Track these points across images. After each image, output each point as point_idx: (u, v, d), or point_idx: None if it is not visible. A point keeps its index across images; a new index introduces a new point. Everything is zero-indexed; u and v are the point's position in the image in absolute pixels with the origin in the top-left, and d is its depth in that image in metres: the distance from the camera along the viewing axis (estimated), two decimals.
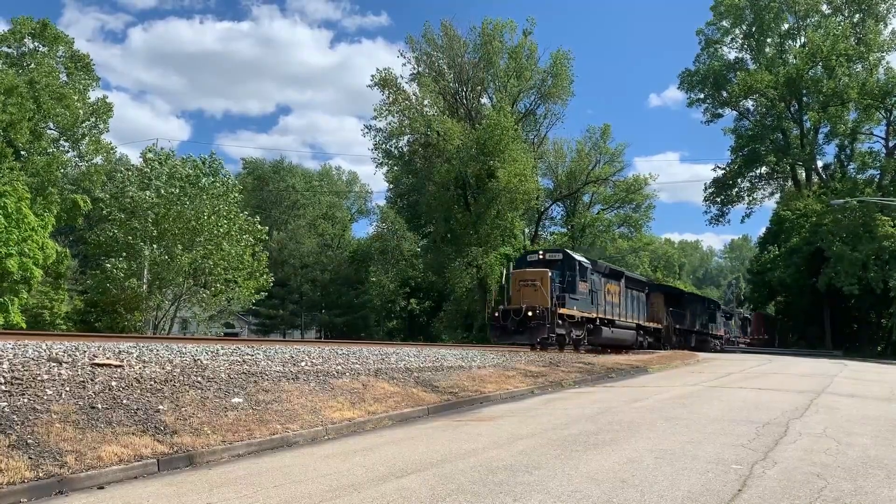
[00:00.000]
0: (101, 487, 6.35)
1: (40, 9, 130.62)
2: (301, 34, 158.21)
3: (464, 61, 48.10)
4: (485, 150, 43.27)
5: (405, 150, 48.90)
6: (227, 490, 6.23)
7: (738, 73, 59.97)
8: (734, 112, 63.49)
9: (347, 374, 12.04)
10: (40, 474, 6.14)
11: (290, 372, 11.12)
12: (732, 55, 63.98)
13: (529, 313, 23.78)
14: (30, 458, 6.31)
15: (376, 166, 49.44)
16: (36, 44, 41.15)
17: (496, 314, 25.21)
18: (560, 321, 24.52)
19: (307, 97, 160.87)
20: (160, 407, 8.25)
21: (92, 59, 43.88)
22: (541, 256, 26.96)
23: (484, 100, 50.70)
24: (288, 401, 9.76)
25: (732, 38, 63.15)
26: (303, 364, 11.83)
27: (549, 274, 24.84)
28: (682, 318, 42.03)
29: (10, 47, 41.89)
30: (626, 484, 6.31)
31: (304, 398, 10.07)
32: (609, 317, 29.28)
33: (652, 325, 35.74)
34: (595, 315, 27.65)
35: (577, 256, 27.60)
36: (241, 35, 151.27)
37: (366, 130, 48.57)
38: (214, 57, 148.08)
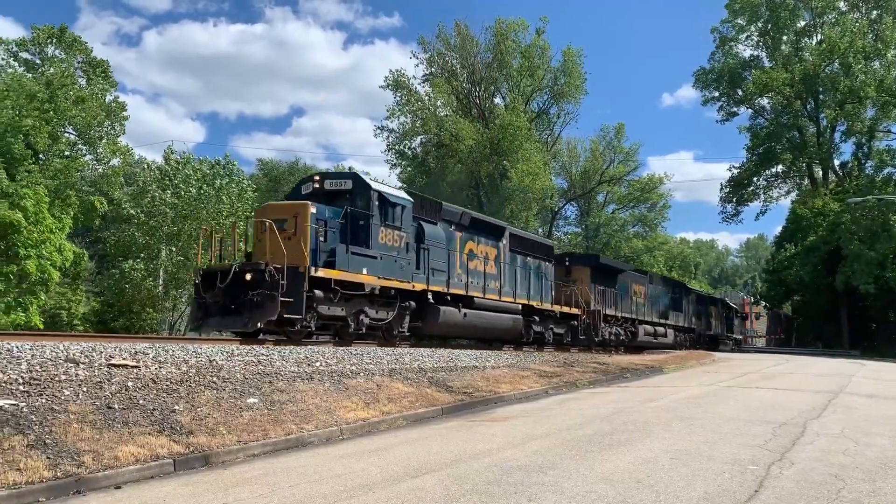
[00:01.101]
0: (119, 487, 6.40)
1: (56, 13, 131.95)
2: (314, 36, 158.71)
3: (476, 61, 48.09)
4: (498, 150, 43.25)
5: (418, 150, 48.98)
6: (242, 490, 6.26)
7: (754, 70, 59.55)
8: (749, 110, 63.04)
9: (362, 374, 12.07)
10: (58, 474, 6.19)
11: (304, 372, 11.16)
12: (748, 53, 63.54)
13: (247, 277, 13.71)
14: (48, 457, 6.37)
15: (390, 167, 49.90)
16: (55, 50, 41.54)
17: (196, 281, 14.73)
18: (326, 293, 14.57)
19: (320, 99, 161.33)
20: (176, 407, 8.30)
21: (109, 65, 44.28)
22: (315, 185, 16.49)
23: (497, 100, 50.69)
24: (303, 401, 9.80)
25: (748, 36, 62.67)
26: (317, 364, 11.87)
27: (312, 210, 14.62)
28: (621, 303, 30.53)
29: (30, 53, 42.41)
30: (641, 484, 6.28)
31: (319, 398, 10.10)
32: (463, 291, 18.73)
33: (561, 309, 24.70)
34: (423, 287, 17.29)
35: (380, 186, 16.94)
36: (255, 37, 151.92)
37: (378, 131, 48.73)
38: (228, 59, 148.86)
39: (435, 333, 18.74)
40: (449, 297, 18.37)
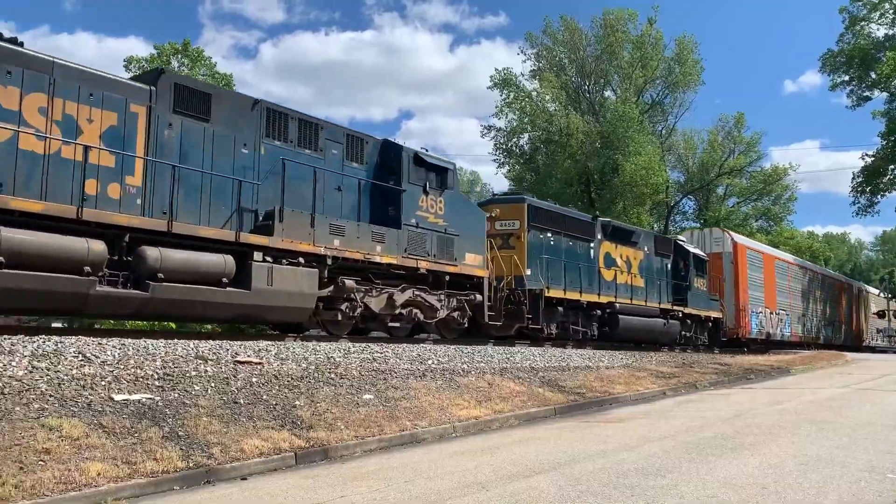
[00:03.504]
0: (244, 478, 6.72)
1: (182, 30, 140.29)
2: (421, 40, 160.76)
3: (585, 55, 47.22)
4: (609, 144, 42.33)
5: (526, 147, 48.67)
6: (359, 484, 6.43)
7: (888, 51, 55.31)
8: (885, 93, 58.48)
9: (473, 372, 12.13)
10: (190, 464, 6.57)
11: (417, 370, 11.35)
12: (882, 32, 59.03)
13: None
14: (181, 448, 6.78)
15: (497, 166, 49.51)
16: (179, 65, 44.16)
17: None
18: None
19: (427, 101, 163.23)
20: (297, 402, 8.63)
21: (232, 77, 46.60)
22: None
23: (607, 92, 49.53)
24: (416, 398, 9.96)
25: (881, 14, 58.20)
26: (429, 362, 12.03)
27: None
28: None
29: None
30: (766, 491, 5.97)
31: (432, 396, 10.24)
32: None
33: None
34: None
35: None
36: (364, 44, 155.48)
37: (485, 131, 48.66)
38: (339, 67, 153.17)
39: None
40: None
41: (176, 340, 10.07)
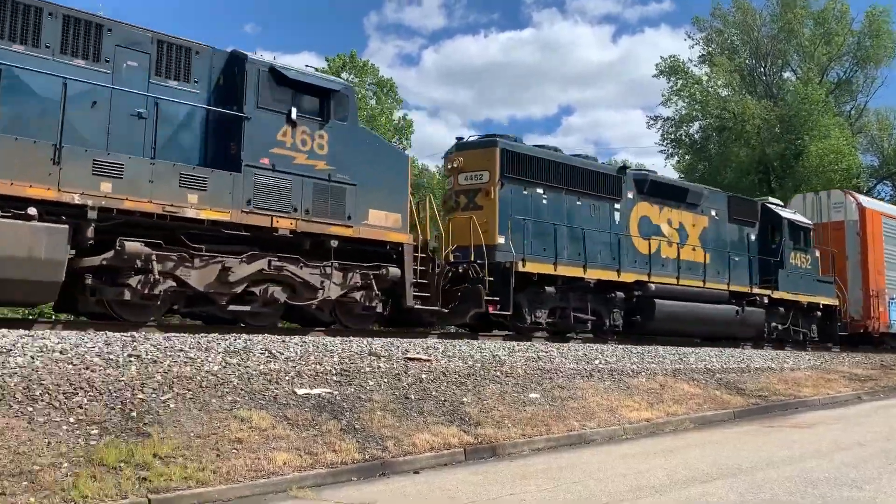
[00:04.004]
0: (417, 472, 6.92)
1: (349, 42, 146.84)
2: (581, 33, 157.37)
3: (760, 35, 44.24)
4: (790, 129, 39.39)
5: (696, 136, 46.42)
6: (528, 483, 6.43)
7: None
8: None
9: (643, 373, 11.75)
10: (366, 456, 6.88)
11: (583, 370, 11.16)
12: None
13: None
14: (357, 441, 7.11)
15: (665, 157, 47.62)
16: (349, 75, 46.57)
17: None
18: None
19: (588, 95, 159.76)
20: (464, 399, 8.78)
21: (395, 84, 48.41)
22: None
23: (786, 74, 46.12)
24: (583, 398, 9.80)
25: None
26: (596, 362, 11.81)
27: None
28: None
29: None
30: None
31: (599, 396, 10.03)
32: None
33: None
34: None
35: None
36: (523, 43, 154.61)
37: (651, 121, 46.95)
38: (499, 67, 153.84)
39: None
40: None
41: (351, 338, 10.59)
